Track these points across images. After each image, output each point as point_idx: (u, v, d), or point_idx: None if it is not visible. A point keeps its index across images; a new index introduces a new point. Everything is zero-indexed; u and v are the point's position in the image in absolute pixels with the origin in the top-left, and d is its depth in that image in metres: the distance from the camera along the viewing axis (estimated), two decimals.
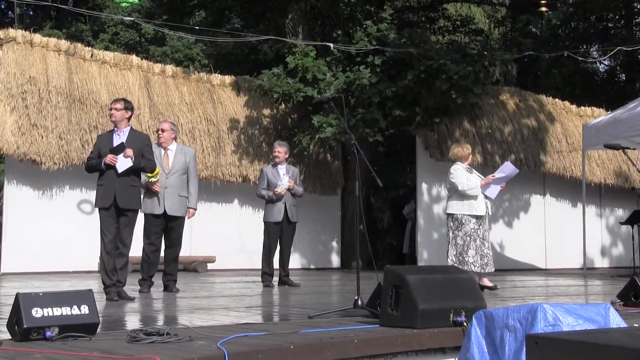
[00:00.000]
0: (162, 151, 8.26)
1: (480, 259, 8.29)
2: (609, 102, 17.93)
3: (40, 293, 4.11)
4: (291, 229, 9.47)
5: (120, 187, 6.96)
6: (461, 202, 8.34)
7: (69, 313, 4.08)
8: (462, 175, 8.40)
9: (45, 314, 4.01)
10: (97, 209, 7.19)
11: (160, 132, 8.31)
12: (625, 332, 2.44)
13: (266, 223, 9.40)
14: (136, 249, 7.82)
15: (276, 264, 9.49)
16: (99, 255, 7.49)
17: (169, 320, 5.44)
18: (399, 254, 16.34)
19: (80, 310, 4.12)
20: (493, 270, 8.46)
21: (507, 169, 8.57)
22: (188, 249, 13.14)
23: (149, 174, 7.72)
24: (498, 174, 8.52)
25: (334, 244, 15.15)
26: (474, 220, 8.30)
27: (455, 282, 4.89)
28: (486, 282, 8.38)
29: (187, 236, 13.08)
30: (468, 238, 8.27)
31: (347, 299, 6.45)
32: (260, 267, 9.49)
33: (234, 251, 13.58)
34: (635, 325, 4.74)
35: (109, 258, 6.95)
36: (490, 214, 8.58)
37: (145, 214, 8.07)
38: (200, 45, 21.82)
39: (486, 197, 8.44)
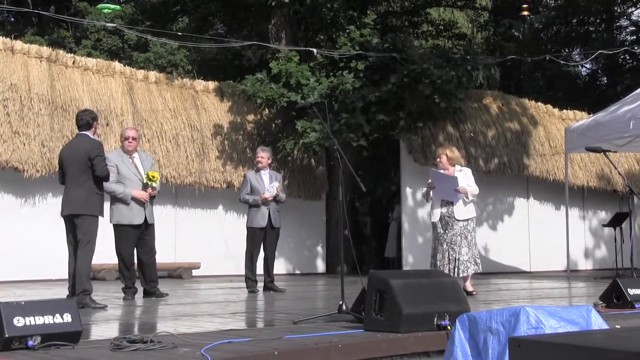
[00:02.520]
0: (129, 159, 8.22)
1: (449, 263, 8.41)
2: (590, 106, 18.07)
3: (22, 302, 4.07)
4: (275, 234, 9.44)
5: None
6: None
7: (52, 322, 4.05)
8: None
9: (27, 323, 3.97)
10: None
11: (130, 139, 8.24)
12: (607, 334, 2.46)
13: (250, 229, 9.35)
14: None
15: (260, 270, 9.46)
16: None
17: (152, 328, 5.41)
18: (381, 258, 16.38)
19: (62, 318, 4.09)
20: (459, 275, 8.45)
21: (436, 177, 8.57)
22: (172, 256, 13.11)
23: (150, 177, 7.84)
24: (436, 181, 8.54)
25: (319, 249, 15.14)
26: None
27: (439, 286, 4.90)
28: (468, 286, 8.43)
29: (171, 242, 13.14)
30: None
31: (332, 304, 6.45)
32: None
33: (219, 257, 13.54)
34: (617, 326, 4.77)
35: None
36: (459, 218, 8.54)
37: (121, 225, 8.03)
38: (184, 51, 21.77)
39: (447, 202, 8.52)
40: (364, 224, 19.88)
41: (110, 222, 8.04)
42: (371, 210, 17.81)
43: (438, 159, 8.72)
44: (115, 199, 8.02)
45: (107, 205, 8.05)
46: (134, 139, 8.25)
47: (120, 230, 8.05)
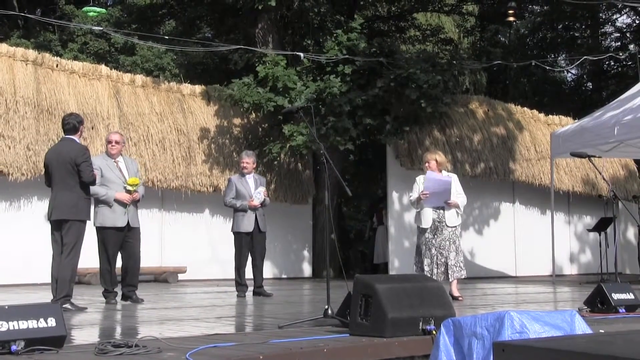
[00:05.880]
0: (113, 163, 8.22)
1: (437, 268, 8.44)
2: (576, 111, 18.21)
3: (5, 306, 4.05)
4: (262, 238, 9.42)
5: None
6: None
7: (35, 326, 4.02)
8: None
9: (11, 328, 3.94)
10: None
11: (114, 143, 8.24)
12: (591, 338, 2.47)
13: (237, 234, 9.31)
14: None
15: (249, 274, 9.42)
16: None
17: (137, 332, 5.39)
18: (373, 264, 16.41)
19: (47, 323, 4.06)
20: (448, 279, 8.48)
21: (431, 181, 8.57)
22: (158, 260, 13.07)
23: (130, 183, 7.84)
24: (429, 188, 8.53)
25: (305, 253, 15.14)
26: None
27: (425, 290, 4.91)
28: (454, 291, 8.45)
29: (157, 246, 13.10)
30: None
31: (318, 308, 6.45)
32: (232, 277, 9.43)
33: (205, 261, 13.50)
34: (600, 331, 4.79)
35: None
36: (450, 225, 8.56)
37: (104, 228, 8.01)
38: (171, 55, 21.75)
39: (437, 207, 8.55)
40: (352, 228, 19.92)
41: (94, 224, 8.02)
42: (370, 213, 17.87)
43: (427, 164, 8.70)
44: (99, 201, 8.01)
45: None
46: (117, 142, 8.25)
47: (103, 232, 8.04)
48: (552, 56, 23.79)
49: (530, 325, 3.48)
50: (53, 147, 7.84)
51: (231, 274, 9.49)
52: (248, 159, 9.44)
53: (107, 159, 8.22)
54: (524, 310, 3.78)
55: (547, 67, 19.77)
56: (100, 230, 8.05)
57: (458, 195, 8.61)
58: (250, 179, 9.40)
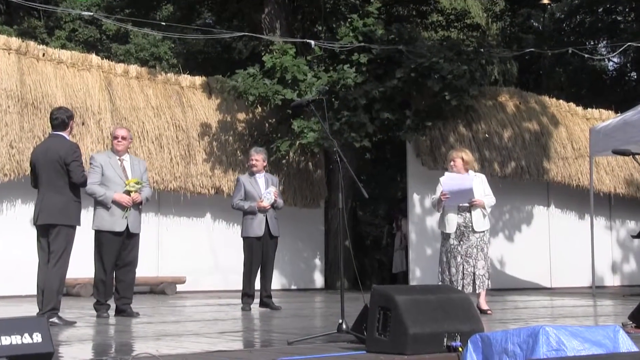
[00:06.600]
0: (118, 161, 8.23)
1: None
2: (618, 104, 18.10)
3: None
4: (273, 244, 9.40)
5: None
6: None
7: (20, 342, 4.03)
8: None
9: None
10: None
11: (120, 139, 8.26)
12: (636, 357, 2.46)
13: (246, 239, 9.30)
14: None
15: (257, 284, 9.42)
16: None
17: (132, 348, 5.40)
18: (391, 273, 16.41)
19: (32, 338, 4.08)
20: (475, 291, 8.45)
21: (449, 182, 8.54)
22: (155, 269, 13.10)
23: (131, 183, 7.89)
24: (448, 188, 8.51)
25: (317, 261, 15.14)
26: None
27: (450, 303, 4.89)
28: (482, 304, 8.42)
29: (154, 254, 13.13)
30: None
31: (331, 322, 6.44)
32: (236, 288, 9.42)
33: (207, 271, 13.53)
34: None
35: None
36: (477, 229, 8.54)
37: (101, 232, 8.03)
38: (168, 43, 21.84)
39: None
40: (367, 234, 19.91)
41: (92, 227, 8.05)
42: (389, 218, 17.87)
43: (452, 163, 8.66)
44: (97, 203, 8.03)
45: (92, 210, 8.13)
46: (123, 138, 8.25)
47: (100, 236, 8.05)
48: (592, 43, 23.68)
49: (568, 342, 3.47)
50: (40, 144, 7.87)
51: (235, 284, 9.50)
52: (257, 156, 9.42)
53: (112, 156, 8.23)
54: (561, 325, 3.76)
55: (586, 55, 19.70)
56: (97, 234, 8.07)
57: (486, 196, 8.59)
58: (261, 178, 9.38)
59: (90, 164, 8.21)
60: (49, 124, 7.63)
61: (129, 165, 8.26)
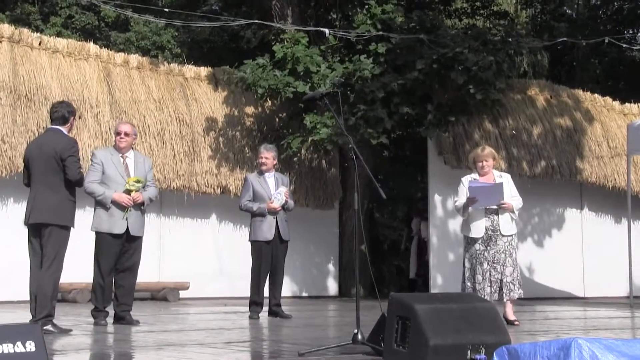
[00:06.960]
0: (121, 158, 8.25)
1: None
2: None
3: None
4: (283, 248, 9.43)
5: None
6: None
7: (12, 350, 4.07)
8: None
9: None
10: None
11: (123, 135, 8.29)
12: None
13: (254, 243, 9.33)
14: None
15: (265, 291, 9.43)
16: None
17: (131, 359, 5.43)
18: (410, 280, 16.40)
19: (25, 347, 4.11)
20: (501, 299, 8.44)
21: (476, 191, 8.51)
22: (157, 274, 13.15)
23: (132, 182, 7.91)
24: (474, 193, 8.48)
25: (331, 267, 15.15)
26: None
27: (474, 312, 4.89)
28: (509, 314, 8.41)
29: (155, 258, 13.17)
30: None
31: (345, 332, 6.46)
32: (244, 295, 9.45)
33: (212, 276, 13.56)
34: None
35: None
36: (505, 233, 8.52)
37: (100, 233, 8.06)
38: (171, 31, 21.88)
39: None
40: (384, 238, 19.90)
41: (91, 229, 8.09)
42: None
43: (480, 164, 8.64)
44: (97, 203, 8.06)
45: (90, 210, 8.18)
46: (127, 134, 8.28)
47: (99, 238, 8.09)
48: (630, 32, 23.57)
49: (602, 356, 3.46)
50: (35, 139, 7.90)
51: (242, 291, 9.53)
52: (267, 154, 9.44)
53: (114, 153, 8.26)
54: (595, 337, 3.76)
55: (624, 45, 19.60)
56: (96, 236, 8.11)
57: (512, 198, 8.57)
58: (270, 177, 9.41)
59: (91, 160, 8.25)
60: (45, 118, 7.66)
61: (132, 163, 8.28)
